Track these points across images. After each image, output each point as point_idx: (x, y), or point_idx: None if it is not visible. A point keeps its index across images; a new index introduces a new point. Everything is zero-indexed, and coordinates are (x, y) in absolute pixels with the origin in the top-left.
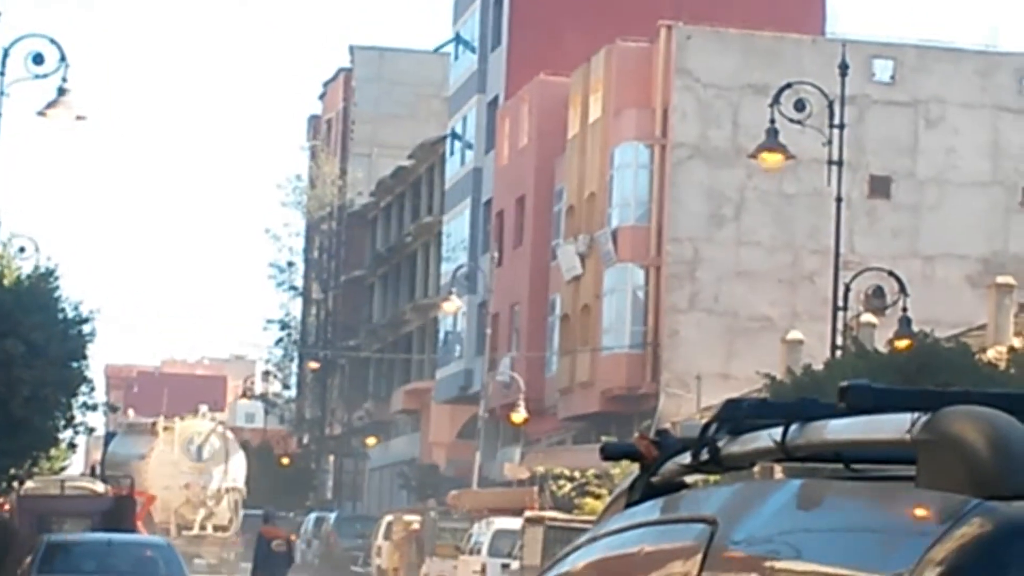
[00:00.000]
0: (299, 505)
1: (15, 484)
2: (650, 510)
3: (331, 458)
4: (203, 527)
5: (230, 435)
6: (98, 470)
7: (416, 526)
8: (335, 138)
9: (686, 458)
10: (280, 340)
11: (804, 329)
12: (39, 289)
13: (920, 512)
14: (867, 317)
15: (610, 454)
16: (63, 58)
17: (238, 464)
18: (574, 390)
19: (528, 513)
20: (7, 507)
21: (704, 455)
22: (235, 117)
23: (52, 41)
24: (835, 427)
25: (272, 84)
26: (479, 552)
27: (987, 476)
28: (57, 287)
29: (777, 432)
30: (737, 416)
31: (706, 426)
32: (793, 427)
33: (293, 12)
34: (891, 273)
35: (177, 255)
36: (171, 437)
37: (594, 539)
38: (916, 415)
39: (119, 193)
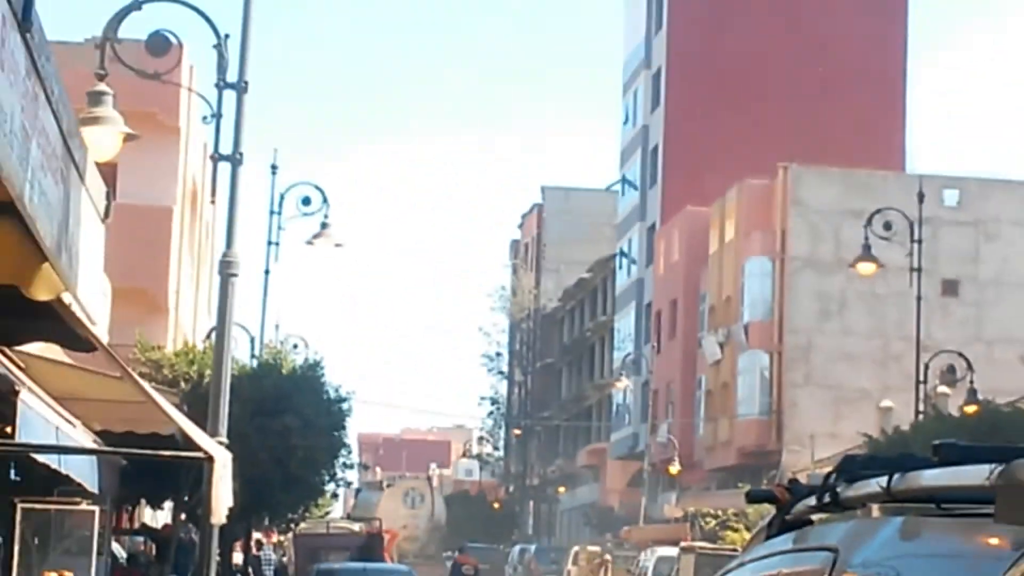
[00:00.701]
0: (506, 539)
1: (292, 526)
2: (785, 541)
3: (531, 503)
4: (416, 556)
5: (436, 490)
6: (352, 514)
7: (608, 556)
8: (531, 257)
9: (812, 501)
10: (491, 412)
11: (893, 399)
12: (309, 376)
13: (998, 542)
14: (942, 389)
15: (753, 498)
16: (325, 200)
17: (440, 511)
18: (716, 448)
19: (683, 543)
20: (285, 543)
21: (827, 498)
22: (456, 241)
23: (316, 187)
24: (929, 475)
25: (483, 217)
26: (646, 574)
27: None
28: (323, 374)
29: (884, 480)
30: (852, 468)
31: (828, 476)
32: (896, 476)
33: (500, 161)
34: (960, 354)
35: (412, 347)
36: (394, 492)
37: (742, 564)
38: (993, 466)
39: (368, 299)
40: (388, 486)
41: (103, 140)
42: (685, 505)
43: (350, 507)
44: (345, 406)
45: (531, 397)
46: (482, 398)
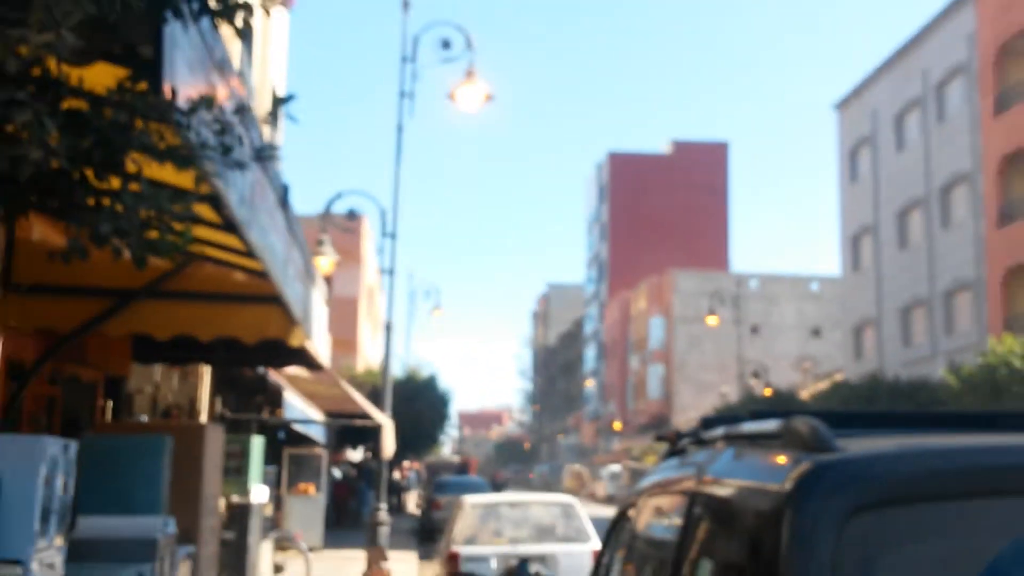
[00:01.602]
0: (533, 463)
1: (424, 458)
2: (674, 461)
3: (544, 444)
4: (480, 473)
5: (491, 440)
6: (454, 451)
7: (584, 472)
8: (542, 319)
9: (687, 440)
10: (524, 398)
11: (728, 388)
12: (429, 384)
13: (783, 459)
14: (753, 382)
15: (658, 439)
16: (438, 293)
17: (491, 450)
18: (638, 414)
19: (623, 462)
20: (421, 467)
21: (695, 439)
22: (504, 312)
23: (435, 287)
24: (747, 426)
25: (517, 299)
26: (604, 479)
27: (808, 443)
28: (436, 383)
29: (723, 428)
30: (708, 423)
31: (695, 427)
32: (731, 426)
33: (525, 271)
34: (761, 364)
35: (484, 366)
36: (471, 440)
37: (653, 473)
38: (780, 419)
39: (462, 342)
40: (468, 438)
41: (324, 263)
42: (623, 444)
43: (453, 448)
44: (448, 398)
45: (543, 390)
46: (518, 391)
